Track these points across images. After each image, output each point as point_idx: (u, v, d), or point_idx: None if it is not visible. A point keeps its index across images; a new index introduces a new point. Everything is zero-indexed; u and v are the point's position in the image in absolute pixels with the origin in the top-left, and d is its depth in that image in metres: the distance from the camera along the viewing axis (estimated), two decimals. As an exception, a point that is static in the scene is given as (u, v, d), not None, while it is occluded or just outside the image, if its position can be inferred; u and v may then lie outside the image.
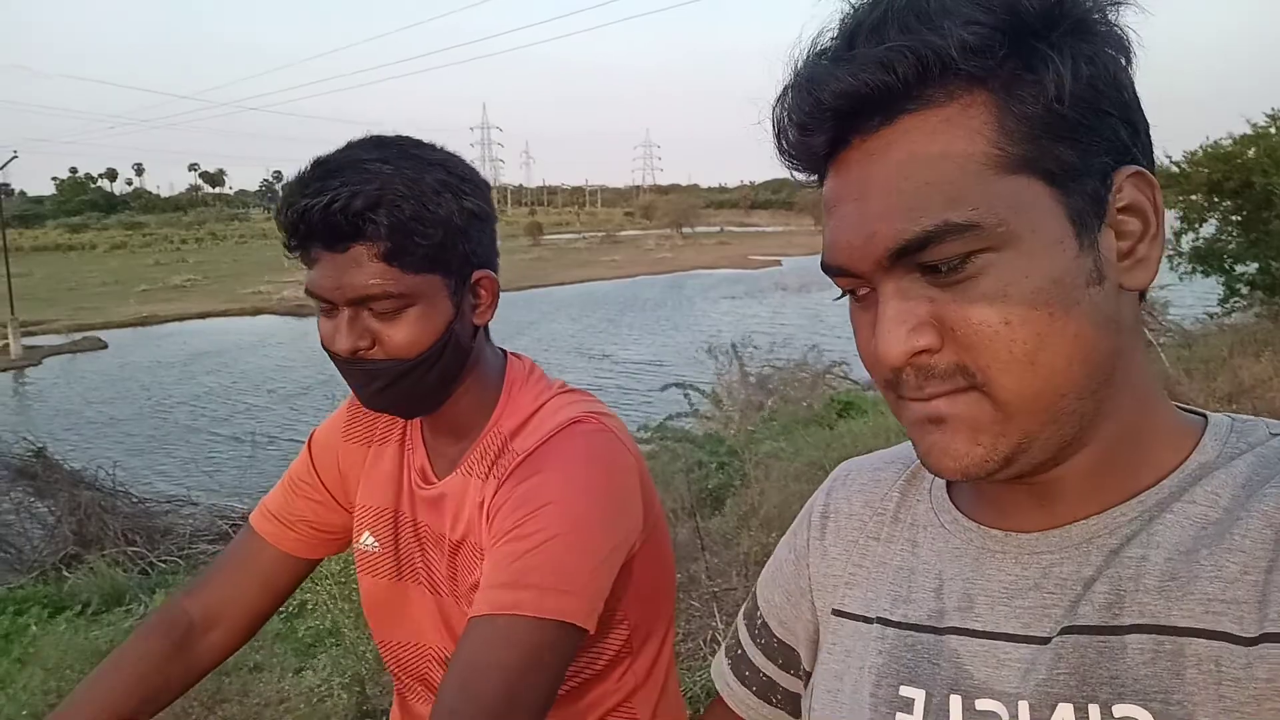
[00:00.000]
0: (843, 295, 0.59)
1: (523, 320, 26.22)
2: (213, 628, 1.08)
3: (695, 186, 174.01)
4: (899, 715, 0.60)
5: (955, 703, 0.57)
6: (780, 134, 0.57)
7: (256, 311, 30.70)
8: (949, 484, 0.67)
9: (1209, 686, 0.49)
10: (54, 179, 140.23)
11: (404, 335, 0.92)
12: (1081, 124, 0.52)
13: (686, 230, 68.48)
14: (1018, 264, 0.51)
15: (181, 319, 28.71)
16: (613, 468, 0.94)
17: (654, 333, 24.09)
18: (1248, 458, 0.56)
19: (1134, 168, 0.54)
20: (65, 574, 7.55)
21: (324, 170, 0.90)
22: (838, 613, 0.69)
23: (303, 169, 0.92)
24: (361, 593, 1.10)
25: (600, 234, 66.56)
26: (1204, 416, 0.60)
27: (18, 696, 3.24)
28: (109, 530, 8.40)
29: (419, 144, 0.96)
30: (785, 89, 0.56)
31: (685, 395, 10.18)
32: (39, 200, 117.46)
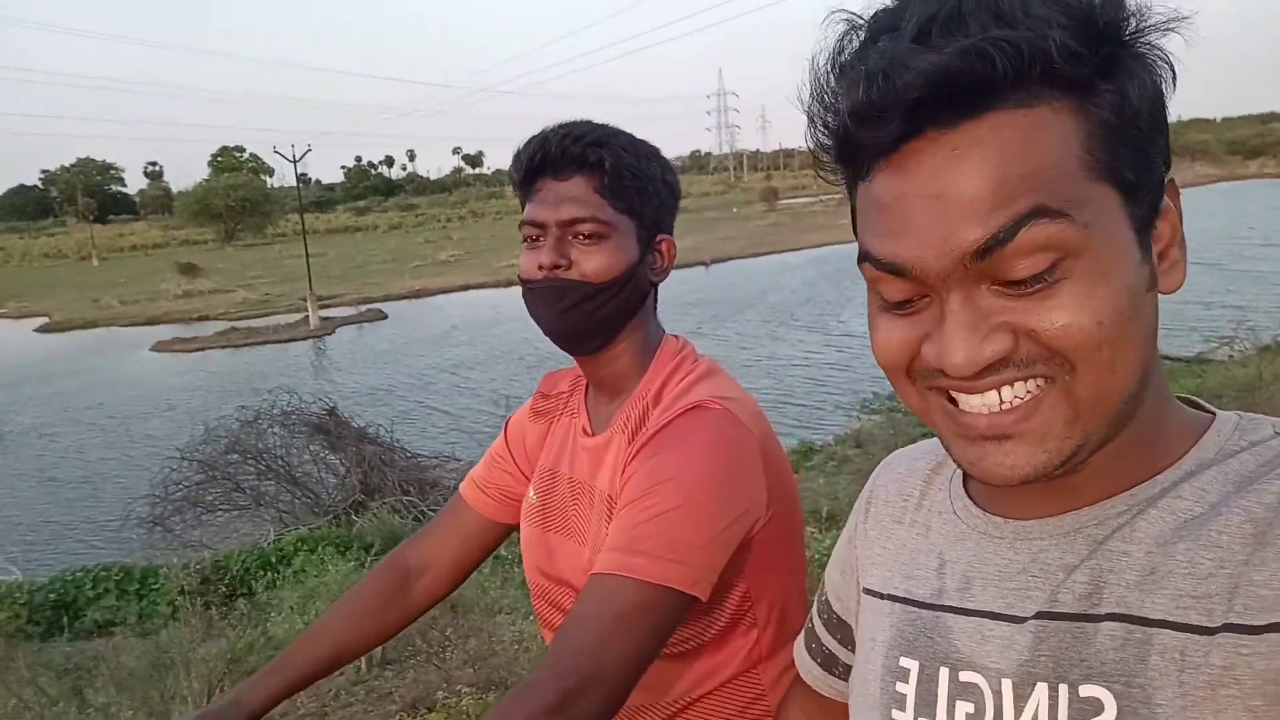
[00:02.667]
0: (877, 290, 0.56)
1: (753, 288, 26.15)
2: (424, 574, 1.29)
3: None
4: (898, 684, 0.65)
5: (943, 674, 0.62)
6: (830, 125, 0.55)
7: (509, 284, 32.97)
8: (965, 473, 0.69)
9: (1171, 673, 0.51)
10: (342, 167, 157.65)
11: (597, 262, 1.07)
12: (1149, 136, 0.53)
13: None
14: (1098, 270, 0.51)
15: (447, 291, 31.35)
16: (732, 450, 1.01)
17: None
18: (1245, 455, 0.56)
19: (1169, 175, 0.56)
20: (353, 518, 8.65)
21: (565, 123, 1.11)
22: (866, 591, 0.74)
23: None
24: (521, 539, 1.26)
25: (838, 196, 64.47)
26: (1213, 414, 0.60)
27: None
28: (388, 481, 9.45)
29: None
30: (849, 79, 0.53)
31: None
32: (330, 188, 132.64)
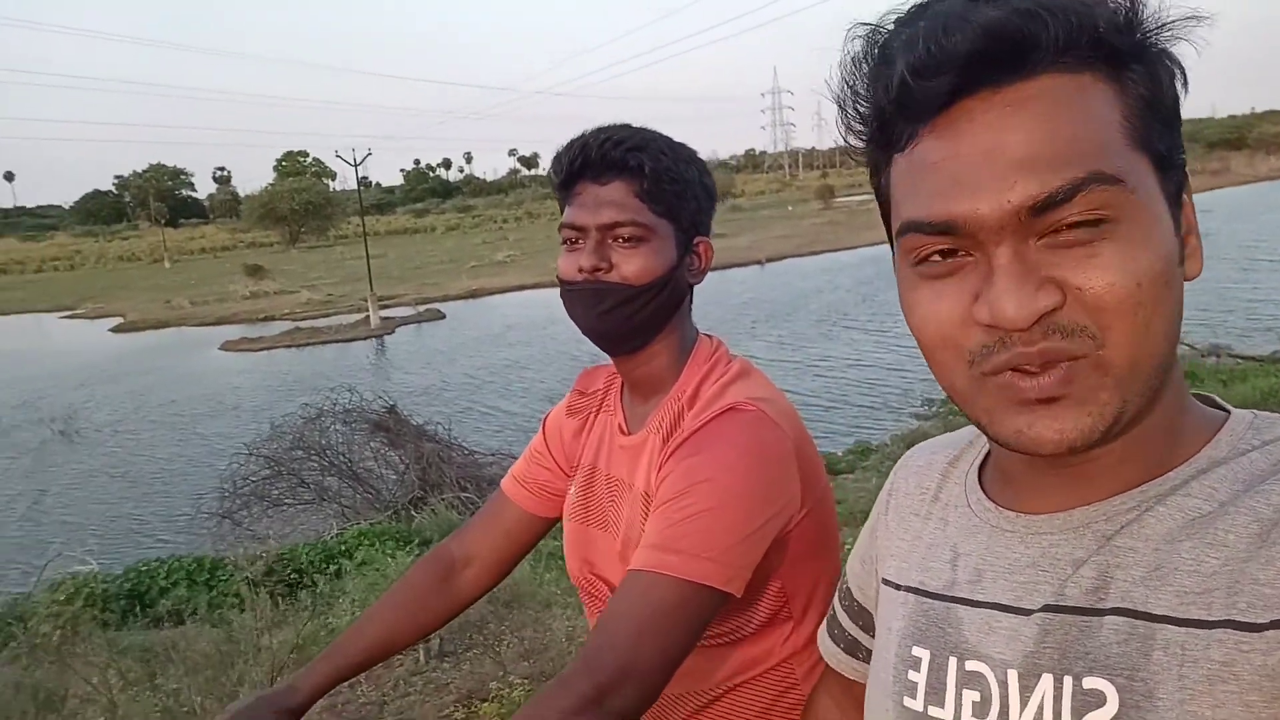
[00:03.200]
0: (920, 260, 0.57)
1: (807, 287, 25.93)
2: (469, 566, 1.32)
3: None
4: (909, 672, 0.66)
5: (952, 663, 0.63)
6: (872, 98, 0.56)
7: (565, 283, 33.12)
8: (980, 467, 0.70)
9: (1172, 667, 0.52)
10: (401, 170, 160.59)
11: (637, 264, 1.09)
12: (1174, 119, 0.56)
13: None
14: (1138, 235, 0.52)
15: (503, 291, 31.77)
16: (766, 451, 1.03)
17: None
18: (1256, 454, 0.56)
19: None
20: (413, 514, 8.82)
21: (603, 127, 1.12)
22: (884, 581, 0.75)
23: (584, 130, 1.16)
24: (564, 535, 1.28)
25: (896, 193, 63.38)
26: (1229, 413, 0.60)
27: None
28: (446, 478, 9.61)
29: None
30: (890, 41, 0.55)
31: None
32: (390, 190, 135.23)
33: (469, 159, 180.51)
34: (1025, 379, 0.54)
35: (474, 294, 31.80)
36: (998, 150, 0.52)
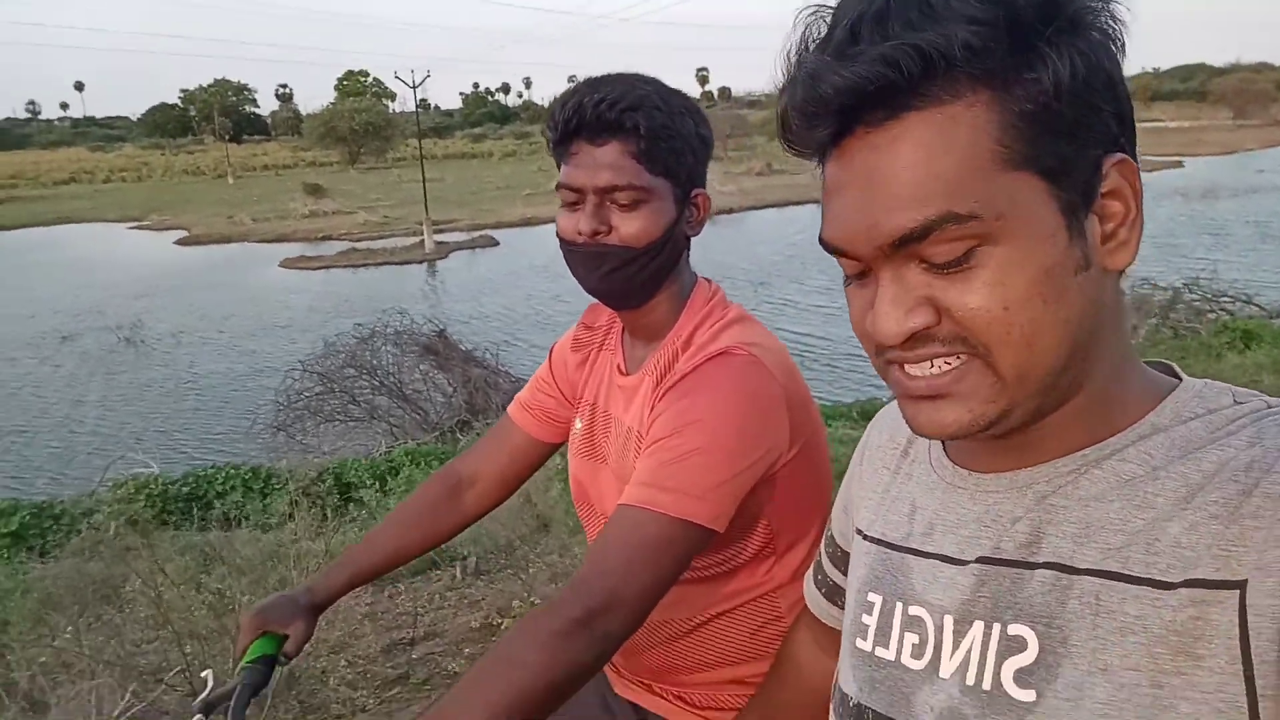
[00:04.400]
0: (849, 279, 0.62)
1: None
2: (474, 485, 1.38)
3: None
4: (863, 615, 0.71)
5: (898, 608, 0.68)
6: (784, 122, 0.59)
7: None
8: None
9: (1085, 615, 0.56)
10: (460, 94, 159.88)
11: (636, 225, 1.09)
12: (1077, 120, 0.54)
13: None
14: (1014, 256, 0.54)
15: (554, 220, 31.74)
16: (754, 395, 1.05)
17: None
18: (1196, 423, 0.58)
19: (1120, 155, 0.57)
20: (458, 436, 9.03)
21: (597, 81, 1.11)
22: (856, 530, 0.79)
23: (578, 83, 1.13)
24: (569, 465, 1.33)
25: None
26: (1181, 380, 0.61)
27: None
28: (492, 403, 9.80)
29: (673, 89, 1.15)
30: (789, 82, 0.57)
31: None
32: (449, 114, 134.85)
33: (528, 84, 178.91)
34: (910, 377, 0.59)
35: (528, 222, 31.79)
36: (869, 187, 0.56)
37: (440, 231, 28.29)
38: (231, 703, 1.11)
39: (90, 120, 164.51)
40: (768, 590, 1.16)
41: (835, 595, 0.88)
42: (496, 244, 27.72)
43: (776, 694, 1.01)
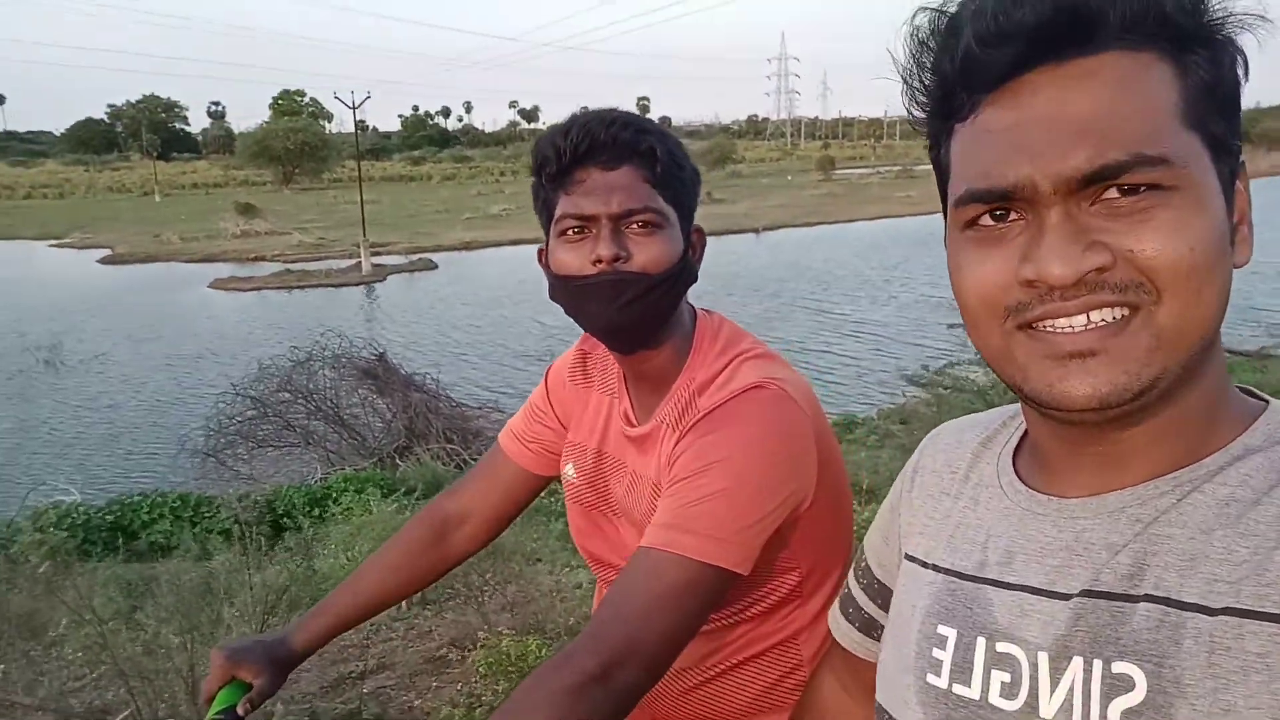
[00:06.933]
0: (969, 224, 0.59)
1: (806, 260, 25.83)
2: (464, 524, 1.29)
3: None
4: (934, 650, 0.66)
5: (980, 643, 0.63)
6: (943, 49, 0.58)
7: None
8: (1015, 450, 0.70)
9: (1200, 655, 0.52)
10: (399, 116, 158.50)
11: (655, 251, 1.03)
12: (1228, 106, 0.57)
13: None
14: (1192, 206, 0.54)
15: (498, 245, 31.46)
16: (786, 432, 1.00)
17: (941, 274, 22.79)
18: None
19: (1243, 158, 0.59)
20: (398, 462, 8.83)
21: (593, 111, 1.06)
22: (908, 557, 0.75)
23: (571, 115, 1.07)
24: (568, 515, 1.26)
25: (896, 168, 63.45)
26: (1268, 403, 0.61)
27: (355, 559, 3.96)
28: (432, 428, 9.61)
29: None
30: (974, 11, 0.56)
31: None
32: (387, 136, 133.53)
33: (469, 108, 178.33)
34: (1058, 333, 0.55)
35: (468, 246, 31.51)
36: (1058, 120, 0.54)
37: (377, 254, 27.81)
38: None
39: (11, 135, 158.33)
40: (788, 636, 1.10)
41: (871, 629, 0.84)
42: (435, 267, 27.38)
43: None
